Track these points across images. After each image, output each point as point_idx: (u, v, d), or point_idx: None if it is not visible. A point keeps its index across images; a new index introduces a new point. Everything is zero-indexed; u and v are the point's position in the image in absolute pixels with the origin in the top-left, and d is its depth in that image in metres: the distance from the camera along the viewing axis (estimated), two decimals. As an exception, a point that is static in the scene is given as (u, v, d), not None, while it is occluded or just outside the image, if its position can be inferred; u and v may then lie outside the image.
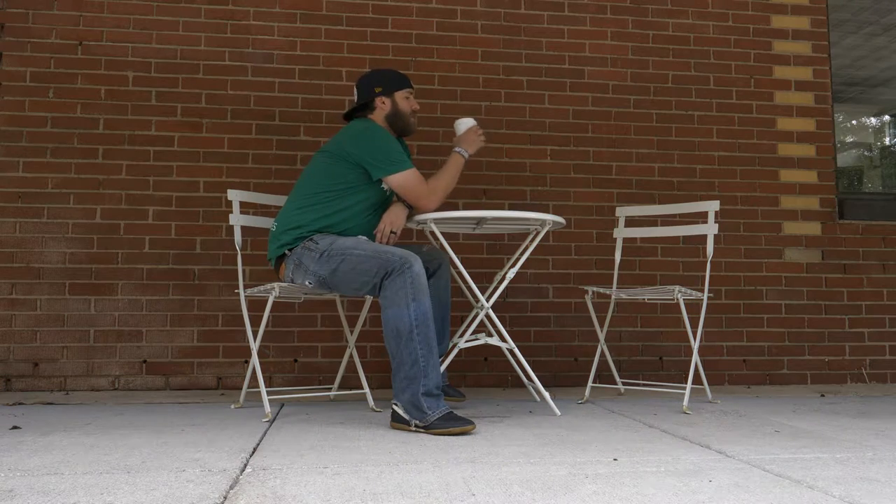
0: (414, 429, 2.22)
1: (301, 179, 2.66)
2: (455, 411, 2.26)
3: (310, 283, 2.51)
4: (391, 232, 2.62)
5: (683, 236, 3.70)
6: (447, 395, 2.71)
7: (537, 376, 2.75)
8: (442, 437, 2.12)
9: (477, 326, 2.73)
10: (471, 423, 2.19)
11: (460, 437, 2.12)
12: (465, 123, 2.75)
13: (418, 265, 2.29)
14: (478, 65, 3.71)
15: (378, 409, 2.71)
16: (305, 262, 2.50)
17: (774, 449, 1.97)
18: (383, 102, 2.71)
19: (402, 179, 2.55)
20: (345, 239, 2.49)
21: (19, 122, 3.38)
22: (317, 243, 2.49)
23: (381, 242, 2.61)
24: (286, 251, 2.57)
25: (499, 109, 3.70)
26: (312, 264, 2.48)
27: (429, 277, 2.71)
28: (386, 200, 2.69)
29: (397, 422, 2.27)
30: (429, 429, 2.19)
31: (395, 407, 2.28)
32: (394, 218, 2.64)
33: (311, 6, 3.62)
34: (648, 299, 3.57)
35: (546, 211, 3.58)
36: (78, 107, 3.42)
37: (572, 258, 3.67)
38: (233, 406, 2.80)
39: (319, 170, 2.61)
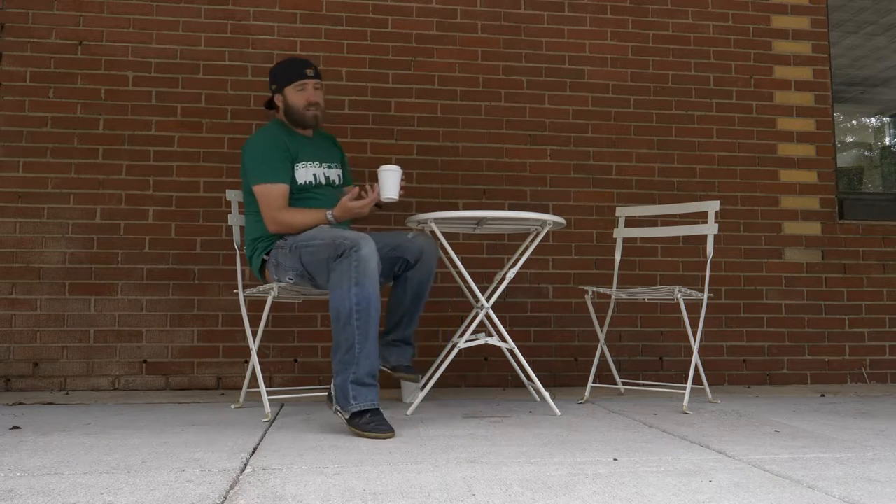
0: (336, 414, 2.22)
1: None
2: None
3: (290, 279, 2.54)
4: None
5: (683, 236, 3.70)
6: (402, 372, 2.71)
7: (537, 376, 2.74)
8: (442, 438, 2.12)
9: (477, 326, 2.73)
10: (390, 431, 2.12)
11: (460, 438, 2.12)
12: (389, 176, 2.41)
13: (368, 249, 2.22)
14: (478, 65, 3.71)
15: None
16: (281, 261, 2.55)
17: (774, 449, 1.98)
18: (279, 100, 2.72)
19: (259, 191, 2.58)
20: (306, 231, 2.52)
21: (19, 122, 3.38)
22: (285, 240, 2.56)
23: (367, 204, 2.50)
24: (264, 256, 2.63)
25: (499, 109, 3.70)
26: (286, 260, 2.53)
27: (411, 267, 2.67)
28: (312, 187, 2.65)
29: (329, 401, 2.27)
30: (349, 422, 2.17)
31: (330, 388, 2.27)
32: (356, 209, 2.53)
33: (311, 6, 3.61)
34: (648, 299, 3.56)
35: (546, 211, 3.58)
36: (78, 107, 3.42)
37: (572, 258, 3.67)
38: (233, 406, 2.80)
39: (244, 183, 2.70)
